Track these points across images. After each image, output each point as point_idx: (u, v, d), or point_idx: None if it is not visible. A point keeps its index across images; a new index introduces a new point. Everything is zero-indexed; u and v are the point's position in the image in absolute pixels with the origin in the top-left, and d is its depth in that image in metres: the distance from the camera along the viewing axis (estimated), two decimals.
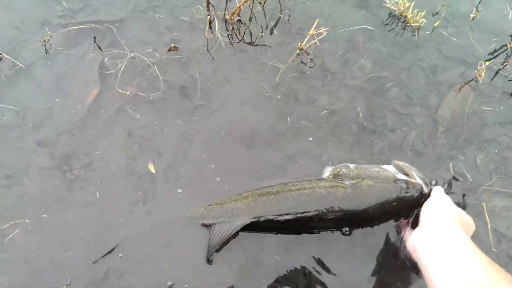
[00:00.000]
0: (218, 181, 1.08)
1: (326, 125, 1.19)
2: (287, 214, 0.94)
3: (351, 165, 1.03)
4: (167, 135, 1.15)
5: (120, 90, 1.20)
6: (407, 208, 0.97)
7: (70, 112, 1.16)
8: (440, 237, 0.78)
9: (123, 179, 1.07)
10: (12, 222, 0.99)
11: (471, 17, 1.45)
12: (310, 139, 1.16)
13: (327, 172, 1.05)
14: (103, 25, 1.34)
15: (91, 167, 1.08)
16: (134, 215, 1.02)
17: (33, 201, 1.03)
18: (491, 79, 1.30)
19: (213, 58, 1.29)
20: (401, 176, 0.99)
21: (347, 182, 0.97)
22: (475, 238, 0.91)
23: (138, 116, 1.17)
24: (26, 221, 1.00)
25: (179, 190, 1.06)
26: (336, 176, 1.00)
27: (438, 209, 0.86)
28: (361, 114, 1.21)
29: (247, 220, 0.94)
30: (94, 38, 1.28)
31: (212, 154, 1.12)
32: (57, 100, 1.19)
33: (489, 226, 1.06)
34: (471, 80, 1.29)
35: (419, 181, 0.98)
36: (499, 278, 0.65)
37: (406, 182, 0.97)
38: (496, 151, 1.17)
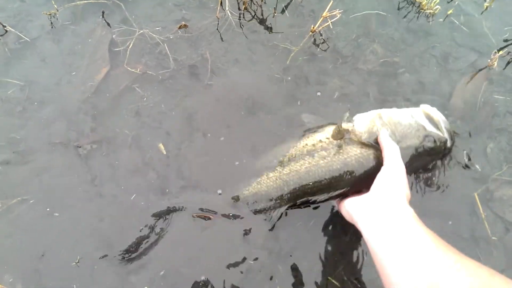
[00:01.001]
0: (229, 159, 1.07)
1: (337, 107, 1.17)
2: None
3: (384, 116, 0.99)
4: (175, 116, 1.13)
5: (129, 68, 1.17)
6: (430, 161, 1.06)
7: (80, 89, 1.14)
8: (393, 224, 0.77)
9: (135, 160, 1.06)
10: (19, 198, 0.98)
11: (485, 6, 1.43)
12: (318, 93, 1.16)
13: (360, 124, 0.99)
14: (110, 0, 1.30)
15: (100, 145, 1.07)
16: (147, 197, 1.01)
17: (40, 177, 1.01)
18: (503, 69, 1.29)
19: (223, 39, 1.27)
20: (430, 128, 1.00)
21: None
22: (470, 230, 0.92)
23: (146, 95, 1.15)
24: (32, 199, 0.98)
25: (219, 191, 1.04)
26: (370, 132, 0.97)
27: (392, 183, 0.83)
28: (372, 99, 1.20)
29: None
30: (103, 12, 1.25)
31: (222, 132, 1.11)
32: (64, 76, 1.16)
33: (483, 216, 1.06)
34: (483, 69, 1.28)
35: (445, 134, 1.00)
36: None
37: (434, 138, 0.99)
38: (506, 140, 1.17)
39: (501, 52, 1.26)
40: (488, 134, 1.18)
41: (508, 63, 1.31)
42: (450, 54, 1.32)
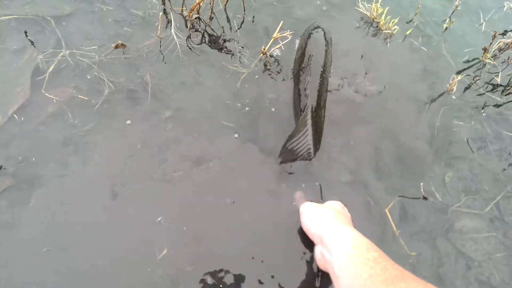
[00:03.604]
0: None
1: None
2: None
3: None
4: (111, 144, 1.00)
5: (48, 95, 1.03)
6: None
7: None
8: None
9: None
10: None
11: (444, 27, 1.40)
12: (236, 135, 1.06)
13: None
14: (40, 17, 1.17)
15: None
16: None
17: None
18: (463, 93, 1.25)
19: (166, 59, 1.16)
20: None
21: None
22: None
23: (77, 122, 1.02)
24: None
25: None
26: None
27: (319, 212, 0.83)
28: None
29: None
30: (25, 32, 1.11)
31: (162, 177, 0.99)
32: None
33: (396, 234, 0.99)
34: (443, 94, 1.23)
35: None
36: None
37: None
38: (467, 168, 1.12)
39: (459, 77, 1.22)
40: (446, 162, 1.12)
41: (468, 87, 1.27)
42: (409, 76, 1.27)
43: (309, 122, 1.01)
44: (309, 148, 1.00)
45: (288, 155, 1.01)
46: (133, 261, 0.85)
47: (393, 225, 0.99)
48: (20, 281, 0.81)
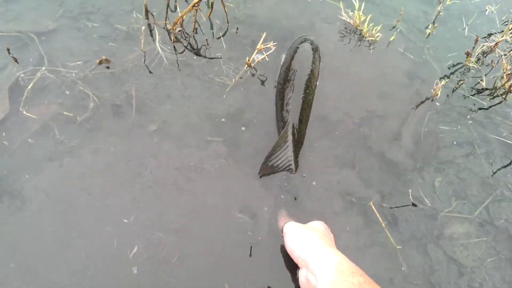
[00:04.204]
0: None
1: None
2: None
3: None
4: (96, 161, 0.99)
5: (26, 113, 1.02)
6: None
7: None
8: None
9: None
10: None
11: (427, 33, 1.41)
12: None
13: None
14: (24, 33, 1.17)
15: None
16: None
17: None
18: (448, 97, 1.26)
19: (151, 73, 1.16)
20: None
21: None
22: None
23: (62, 139, 1.01)
24: None
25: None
26: None
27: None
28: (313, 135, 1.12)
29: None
30: (8, 49, 1.10)
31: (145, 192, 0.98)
32: None
33: (383, 225, 0.99)
34: (427, 99, 1.24)
35: None
36: None
37: None
38: (454, 173, 1.12)
39: (443, 82, 1.22)
40: (435, 167, 1.12)
41: (453, 91, 1.28)
42: (394, 83, 1.27)
43: (290, 138, 1.00)
44: (290, 164, 1.00)
45: (268, 171, 1.00)
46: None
47: (391, 238, 0.98)
48: None
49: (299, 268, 0.82)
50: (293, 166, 1.00)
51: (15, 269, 0.82)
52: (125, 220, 0.90)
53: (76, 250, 0.86)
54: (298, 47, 1.21)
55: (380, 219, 0.99)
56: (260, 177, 1.00)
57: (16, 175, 0.94)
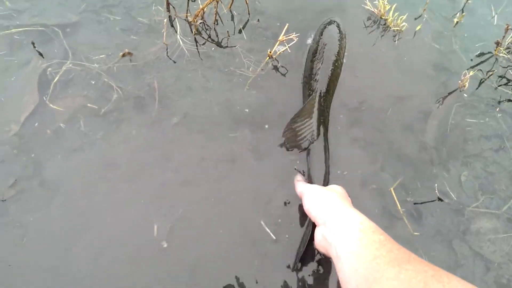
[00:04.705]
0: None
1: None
2: None
3: None
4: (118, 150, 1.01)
5: (52, 106, 1.04)
6: None
7: (4, 130, 1.01)
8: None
9: None
10: None
11: (455, 22, 1.36)
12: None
13: None
14: (49, 27, 1.18)
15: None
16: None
17: None
18: (476, 89, 1.22)
19: (172, 65, 1.16)
20: None
21: None
22: None
23: (87, 131, 1.03)
24: None
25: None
26: None
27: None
28: (339, 127, 1.10)
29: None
30: (33, 43, 1.12)
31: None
32: None
33: (401, 212, 0.98)
34: (454, 91, 1.20)
35: None
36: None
37: None
38: (481, 166, 1.09)
39: (471, 73, 1.18)
40: (461, 161, 1.09)
41: (481, 82, 1.24)
42: (419, 73, 1.24)
43: (316, 105, 1.02)
44: (313, 131, 1.01)
45: (291, 134, 1.02)
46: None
47: (409, 226, 0.97)
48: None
49: (316, 226, 0.81)
50: (315, 134, 1.01)
51: (47, 247, 0.85)
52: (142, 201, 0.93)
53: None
54: (326, 26, 1.23)
55: (400, 210, 0.98)
56: (284, 140, 1.03)
57: (47, 163, 0.97)
